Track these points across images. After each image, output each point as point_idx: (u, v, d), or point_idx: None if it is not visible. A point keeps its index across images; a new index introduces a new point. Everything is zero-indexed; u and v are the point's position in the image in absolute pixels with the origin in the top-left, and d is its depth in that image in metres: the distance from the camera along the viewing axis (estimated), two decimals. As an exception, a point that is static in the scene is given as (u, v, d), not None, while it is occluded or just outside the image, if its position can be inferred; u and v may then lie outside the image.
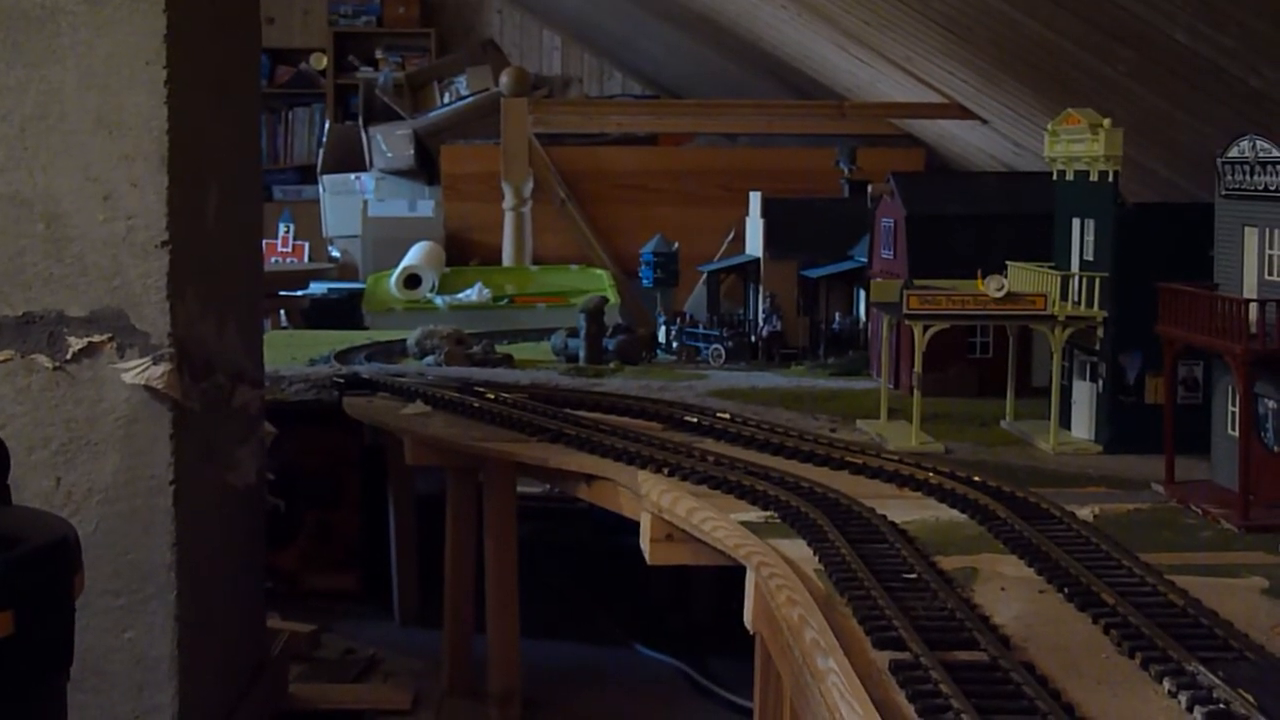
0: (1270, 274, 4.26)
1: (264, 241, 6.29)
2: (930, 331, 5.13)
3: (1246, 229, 4.37)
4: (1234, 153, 4.41)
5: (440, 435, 5.76)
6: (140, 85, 4.20)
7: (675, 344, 7.48)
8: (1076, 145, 5.24)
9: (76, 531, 3.45)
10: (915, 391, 5.21)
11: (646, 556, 4.51)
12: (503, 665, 5.97)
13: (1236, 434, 4.23)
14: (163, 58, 4.19)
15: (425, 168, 12.05)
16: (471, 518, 6.20)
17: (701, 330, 7.43)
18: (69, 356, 4.25)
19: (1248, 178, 4.33)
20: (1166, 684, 2.88)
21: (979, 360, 6.24)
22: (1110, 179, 5.10)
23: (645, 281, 7.99)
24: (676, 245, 7.96)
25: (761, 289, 7.43)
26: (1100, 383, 5.18)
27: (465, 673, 6.23)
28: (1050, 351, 5.23)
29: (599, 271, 10.13)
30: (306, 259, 12.15)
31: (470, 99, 12.43)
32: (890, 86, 9.78)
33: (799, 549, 3.80)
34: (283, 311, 10.40)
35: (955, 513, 4.24)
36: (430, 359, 7.30)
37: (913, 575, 3.53)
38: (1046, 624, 3.30)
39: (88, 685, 4.21)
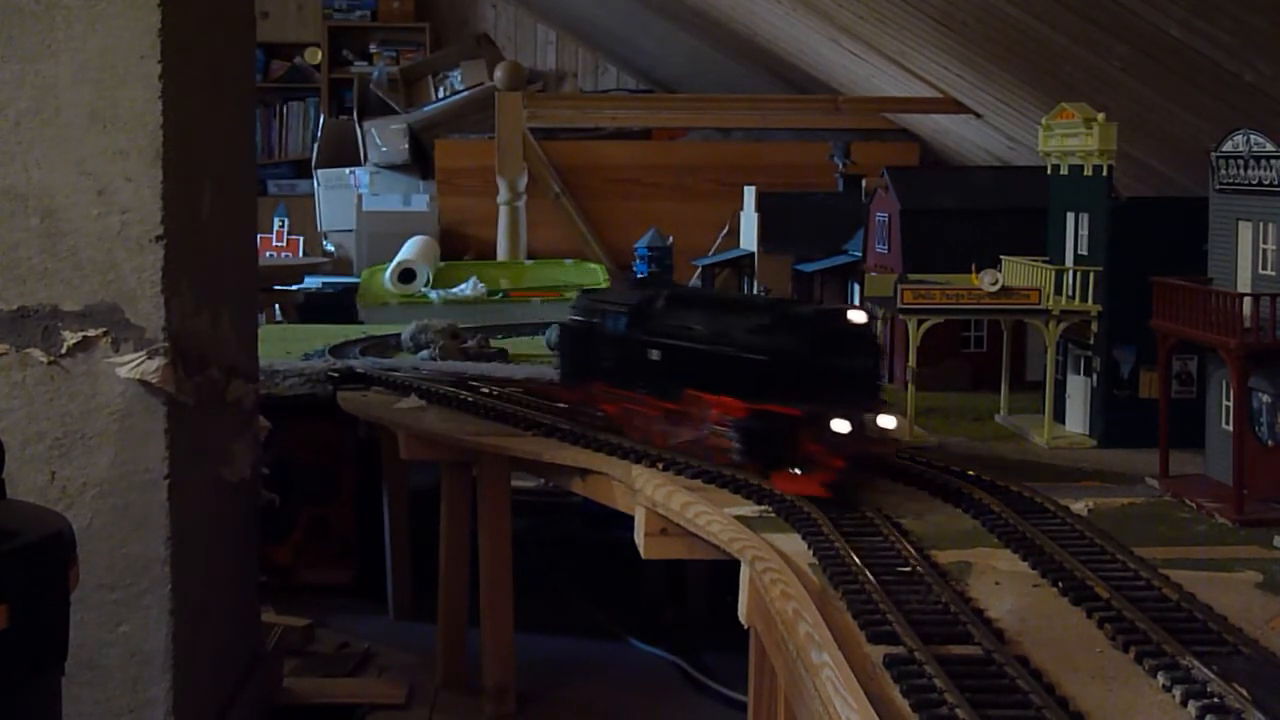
0: (1264, 268, 4.26)
1: (258, 236, 6.28)
2: (924, 326, 5.14)
3: (1240, 223, 4.38)
4: (1228, 147, 4.41)
5: (435, 430, 5.76)
6: (135, 80, 4.19)
7: (670, 338, 7.46)
8: (1071, 140, 5.25)
9: (71, 526, 3.44)
10: (910, 385, 5.22)
11: (641, 551, 4.51)
12: (497, 659, 5.98)
13: (1231, 428, 4.23)
14: (157, 53, 4.19)
15: (420, 162, 12.05)
16: (466, 512, 6.20)
17: (696, 324, 7.41)
18: (64, 351, 4.24)
19: (1241, 172, 4.34)
20: (1161, 678, 2.89)
21: (973, 354, 6.25)
22: (1104, 173, 5.11)
23: (640, 275, 7.98)
24: (671, 239, 7.96)
25: (756, 283, 7.43)
26: (1094, 377, 5.18)
27: (459, 667, 6.23)
28: (1044, 346, 5.24)
29: (594, 265, 10.14)
30: (301, 253, 12.15)
31: (465, 93, 12.43)
32: (885, 81, 9.79)
33: (793, 543, 3.81)
34: (277, 306, 10.40)
35: (950, 507, 4.24)
36: (425, 353, 7.30)
37: (907, 569, 3.53)
38: (1041, 618, 3.30)
39: (83, 678, 4.21)
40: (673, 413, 4.65)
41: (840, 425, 4.09)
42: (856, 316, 4.33)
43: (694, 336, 4.60)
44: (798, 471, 4.11)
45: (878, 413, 4.28)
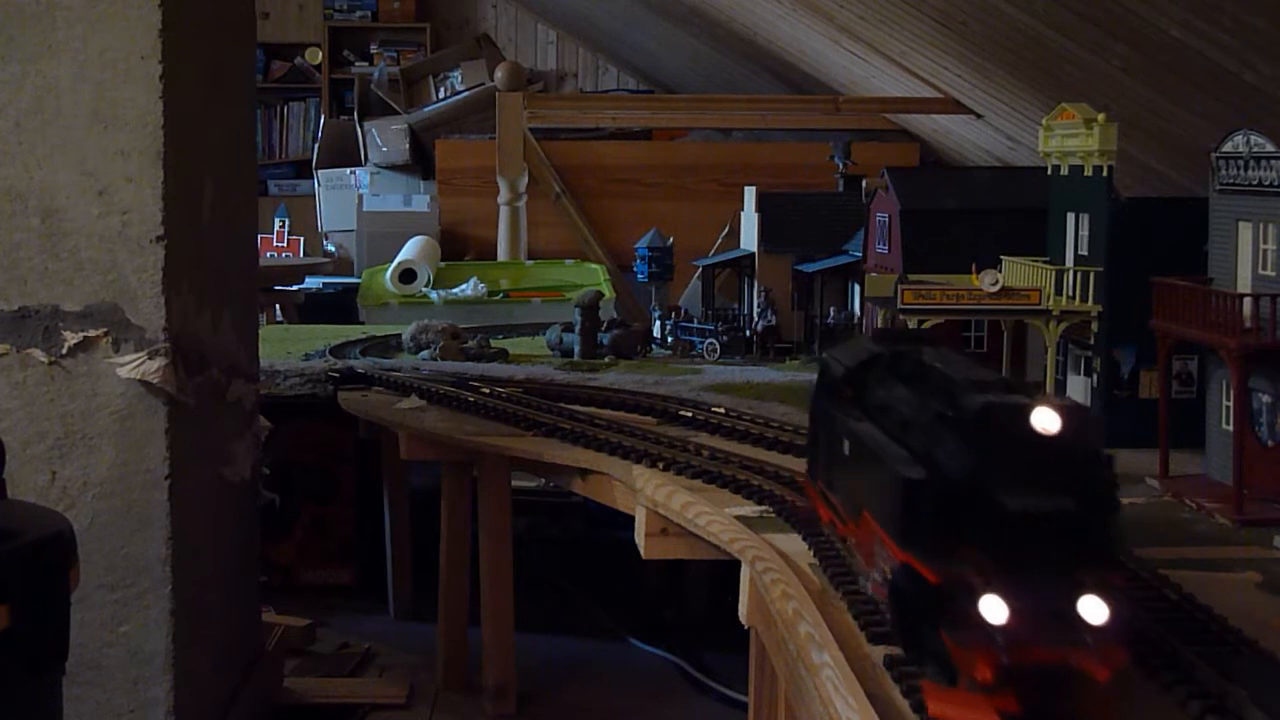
0: (1264, 268, 4.26)
1: (259, 236, 6.28)
2: (925, 326, 5.14)
3: (1240, 224, 4.38)
4: (1228, 147, 4.42)
5: (435, 430, 5.76)
6: (135, 80, 4.19)
7: (670, 338, 7.49)
8: (1071, 140, 5.25)
9: (72, 526, 3.45)
10: (910, 386, 5.17)
11: (641, 551, 4.51)
12: (497, 659, 5.98)
13: (1231, 428, 4.23)
14: (158, 52, 4.19)
15: (420, 162, 12.06)
16: (466, 512, 6.20)
17: (696, 325, 7.43)
18: (64, 351, 4.24)
19: (1241, 172, 4.34)
20: (1161, 678, 2.88)
21: (973, 354, 6.24)
22: (1104, 173, 5.11)
23: (640, 276, 7.99)
24: (671, 240, 7.96)
25: (756, 283, 7.43)
26: (1094, 377, 5.18)
27: (460, 667, 6.23)
28: (1044, 346, 5.24)
29: (594, 266, 10.14)
30: (302, 254, 12.17)
31: (465, 94, 12.44)
32: (885, 81, 9.79)
33: (793, 543, 3.81)
34: (278, 306, 10.40)
35: (950, 507, 4.21)
36: (425, 353, 7.31)
37: (907, 569, 3.48)
38: (1041, 618, 3.29)
39: (83, 679, 4.21)
40: (852, 539, 3.24)
41: (991, 609, 2.41)
42: (1046, 420, 2.53)
43: (886, 425, 3.01)
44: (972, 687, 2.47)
45: (1082, 593, 2.44)
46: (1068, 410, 2.54)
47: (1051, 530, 2.46)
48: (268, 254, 11.61)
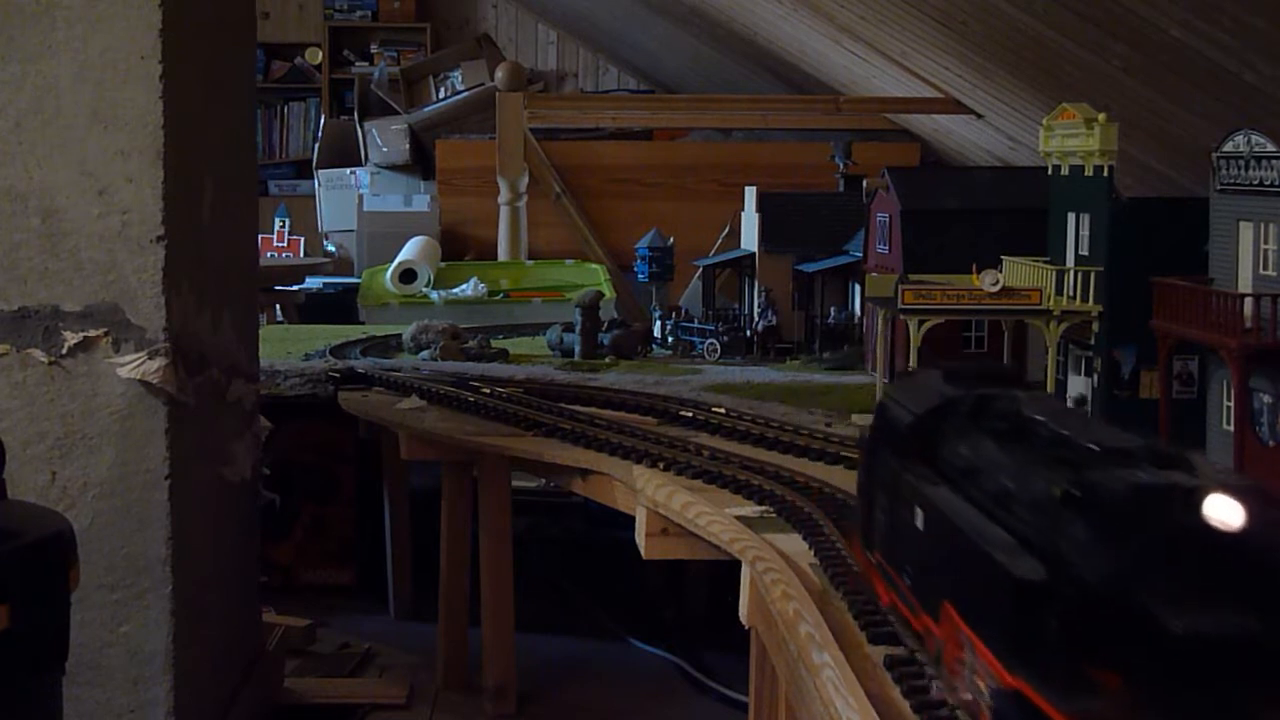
0: (1264, 268, 4.26)
1: (259, 236, 6.27)
2: (925, 326, 5.14)
3: (1241, 224, 4.38)
4: (1229, 147, 4.42)
5: (435, 430, 5.76)
6: (136, 80, 4.19)
7: (670, 339, 7.49)
8: (1071, 140, 5.25)
9: (72, 526, 3.45)
10: (910, 386, 5.17)
11: (642, 551, 4.51)
12: (498, 659, 5.98)
13: (1232, 428, 4.23)
14: (158, 52, 4.19)
15: (420, 162, 12.06)
16: (466, 512, 6.20)
17: (697, 325, 7.43)
18: (64, 351, 4.24)
19: (1242, 172, 4.34)
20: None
21: (974, 354, 6.25)
22: (1105, 174, 5.11)
23: (640, 276, 7.99)
24: (672, 240, 7.97)
25: (757, 283, 7.43)
26: (1095, 377, 5.18)
27: (460, 667, 6.23)
28: (1045, 346, 5.24)
29: (594, 266, 10.14)
30: (302, 254, 12.16)
31: (465, 94, 12.43)
32: (886, 81, 9.79)
33: (794, 543, 3.81)
34: (278, 306, 10.40)
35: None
36: (425, 354, 7.31)
37: (908, 569, 3.47)
38: (1041, 618, 3.29)
39: (84, 679, 4.21)
40: (930, 635, 2.60)
41: None
42: (1224, 509, 1.89)
43: (974, 496, 2.41)
44: None
45: None
46: (1250, 494, 1.90)
47: (1229, 659, 1.82)
48: (268, 254, 11.60)
